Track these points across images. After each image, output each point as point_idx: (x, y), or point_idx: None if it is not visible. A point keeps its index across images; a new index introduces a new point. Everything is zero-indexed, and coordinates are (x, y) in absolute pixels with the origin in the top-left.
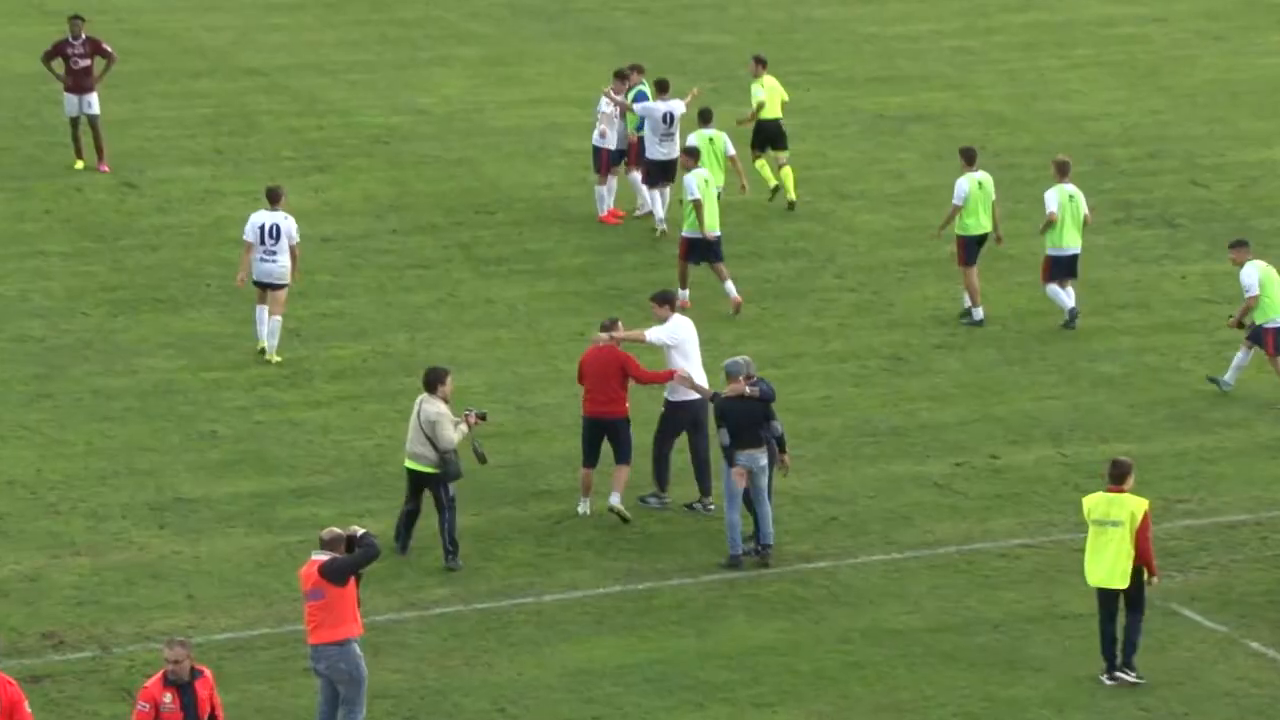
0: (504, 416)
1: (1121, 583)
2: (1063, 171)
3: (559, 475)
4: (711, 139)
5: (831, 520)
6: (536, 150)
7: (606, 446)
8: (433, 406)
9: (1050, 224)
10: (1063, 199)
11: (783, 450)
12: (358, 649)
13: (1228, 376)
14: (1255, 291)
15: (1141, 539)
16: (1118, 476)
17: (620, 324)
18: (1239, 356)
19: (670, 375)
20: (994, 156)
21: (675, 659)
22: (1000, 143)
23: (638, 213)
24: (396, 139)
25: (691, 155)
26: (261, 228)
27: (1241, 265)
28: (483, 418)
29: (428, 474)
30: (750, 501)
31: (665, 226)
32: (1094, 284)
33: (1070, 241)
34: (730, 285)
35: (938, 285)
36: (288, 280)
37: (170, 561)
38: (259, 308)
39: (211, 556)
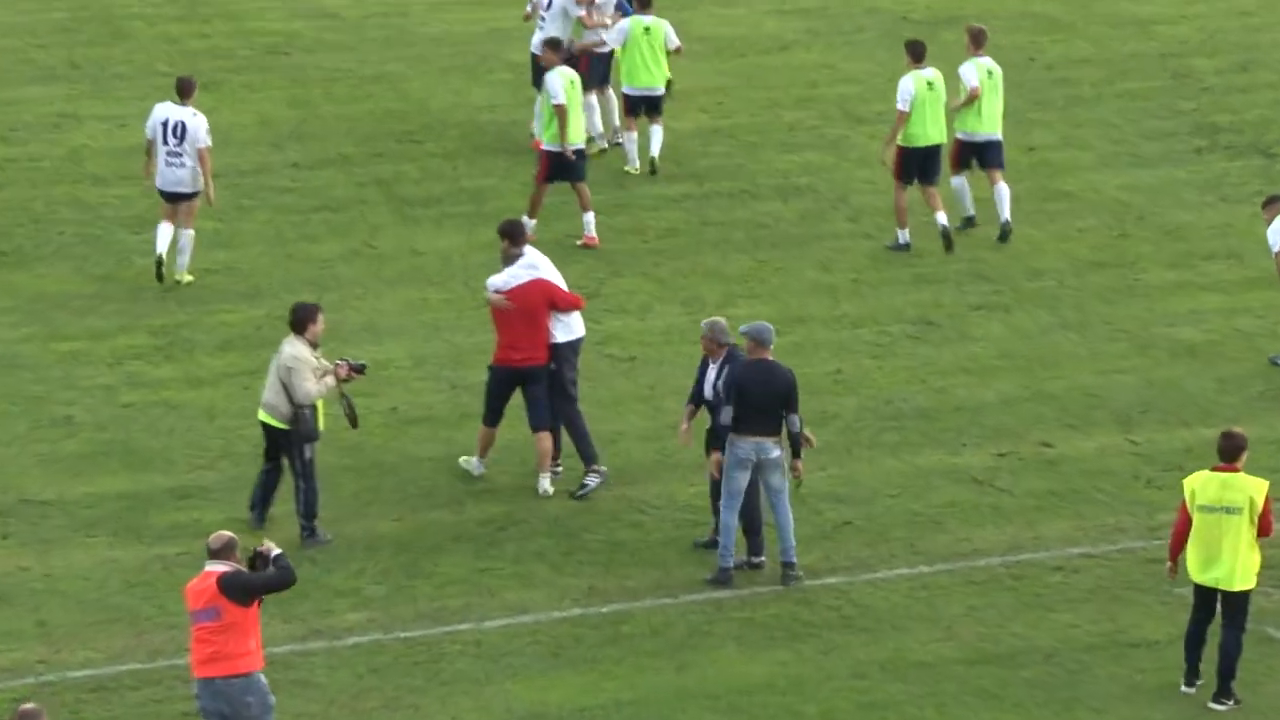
0: (435, 396)
1: (1244, 582)
2: (977, 42)
3: (504, 470)
4: (648, 28)
5: (844, 525)
6: (475, 64)
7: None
8: (292, 349)
9: (972, 99)
10: (981, 75)
11: (796, 454)
12: (265, 683)
13: None
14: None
15: (1264, 525)
16: (1231, 452)
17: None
18: None
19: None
20: (1046, 70)
21: (649, 699)
22: (1052, 52)
23: (612, 141)
24: (298, 49)
25: (554, 48)
26: (164, 124)
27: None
28: (358, 370)
29: (279, 430)
30: (747, 508)
31: (605, 144)
32: (1172, 229)
33: (989, 126)
34: (590, 219)
35: (977, 230)
36: (197, 188)
37: (15, 580)
38: (162, 224)
39: (67, 573)
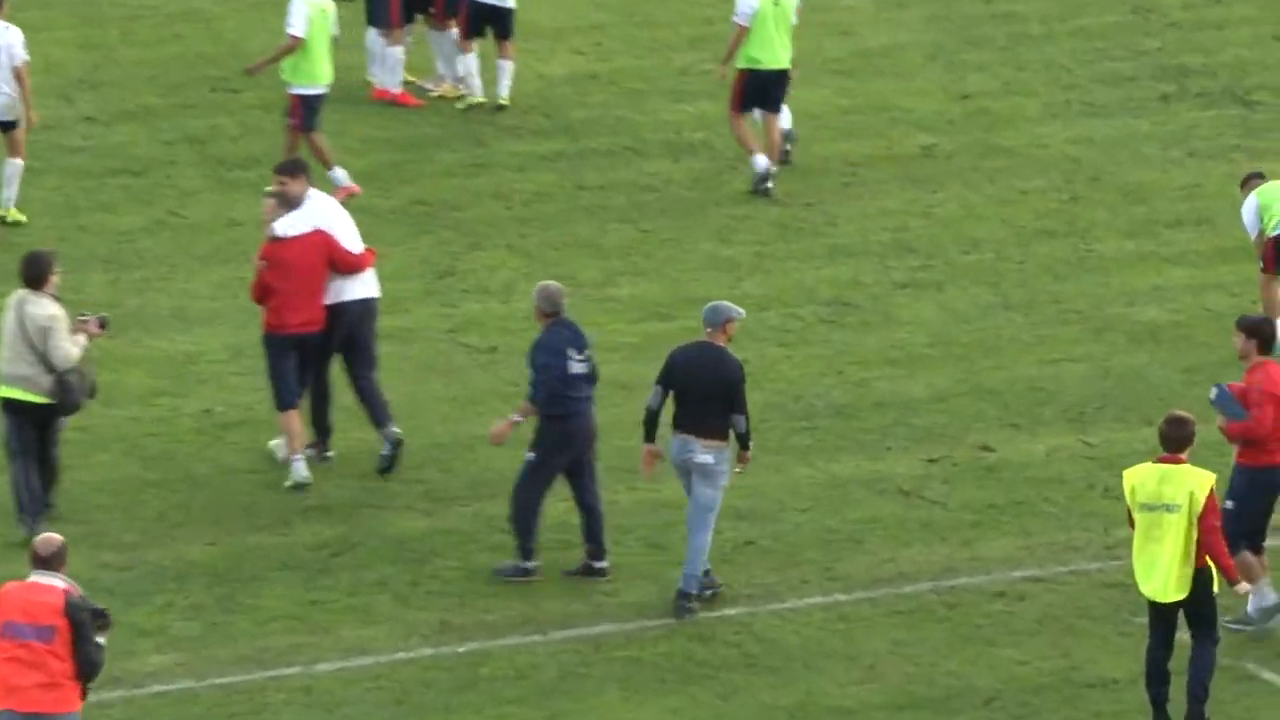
0: (255, 395)
1: (1178, 591)
2: None
3: (339, 482)
4: None
5: (746, 545)
6: None
7: None
8: (42, 309)
9: (743, 34)
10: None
11: (745, 445)
12: None
13: None
14: (1253, 235)
15: (1207, 529)
16: (1175, 441)
17: None
18: None
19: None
20: (984, 3)
21: None
22: None
23: (442, 87)
24: None
25: None
26: None
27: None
28: (104, 325)
29: (38, 405)
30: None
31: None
32: (1132, 191)
33: (776, 58)
34: (340, 174)
35: (903, 193)
36: (19, 115)
37: None
38: None
39: None
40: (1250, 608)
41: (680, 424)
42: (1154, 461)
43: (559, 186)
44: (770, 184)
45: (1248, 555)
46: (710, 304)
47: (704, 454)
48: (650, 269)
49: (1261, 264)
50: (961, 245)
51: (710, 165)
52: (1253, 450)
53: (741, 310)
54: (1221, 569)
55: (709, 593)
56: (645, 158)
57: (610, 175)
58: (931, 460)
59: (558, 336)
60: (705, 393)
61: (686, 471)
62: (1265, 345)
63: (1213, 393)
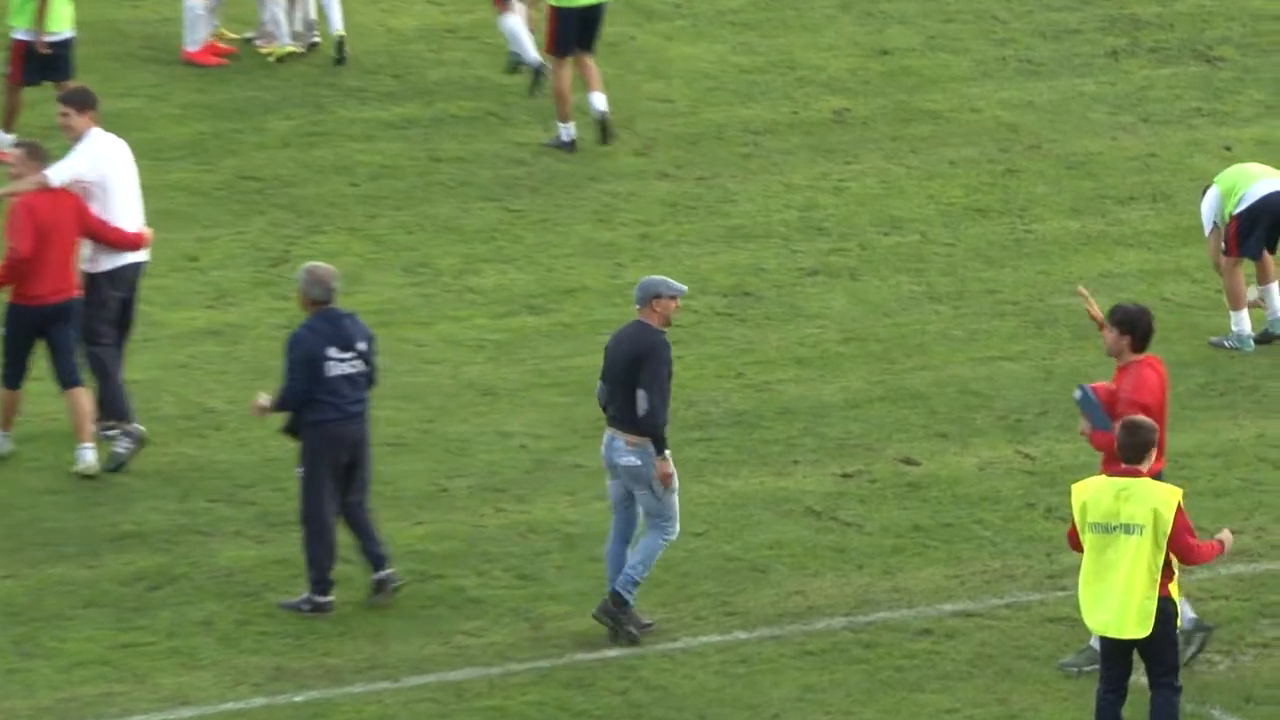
0: (59, 402)
1: (1137, 627)
2: None
3: (155, 504)
4: None
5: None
6: None
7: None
8: None
9: None
10: None
11: (659, 447)
12: None
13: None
14: (1208, 230)
15: (1184, 550)
16: (1132, 449)
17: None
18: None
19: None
20: None
21: None
22: None
23: (260, 39)
24: None
25: None
26: None
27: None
28: None
29: None
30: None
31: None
32: (1077, 162)
33: None
34: (5, 139)
35: (812, 166)
36: None
37: None
38: None
39: None
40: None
41: (609, 417)
42: (1109, 475)
43: (411, 159)
44: (609, 132)
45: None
46: (642, 278)
47: (628, 454)
48: (519, 254)
49: (1224, 247)
50: (880, 226)
51: (588, 134)
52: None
53: (679, 286)
54: (1209, 557)
55: (637, 629)
56: (512, 125)
57: (471, 146)
58: (846, 476)
59: (317, 331)
60: (620, 378)
61: (612, 470)
62: (1141, 341)
63: (1076, 394)
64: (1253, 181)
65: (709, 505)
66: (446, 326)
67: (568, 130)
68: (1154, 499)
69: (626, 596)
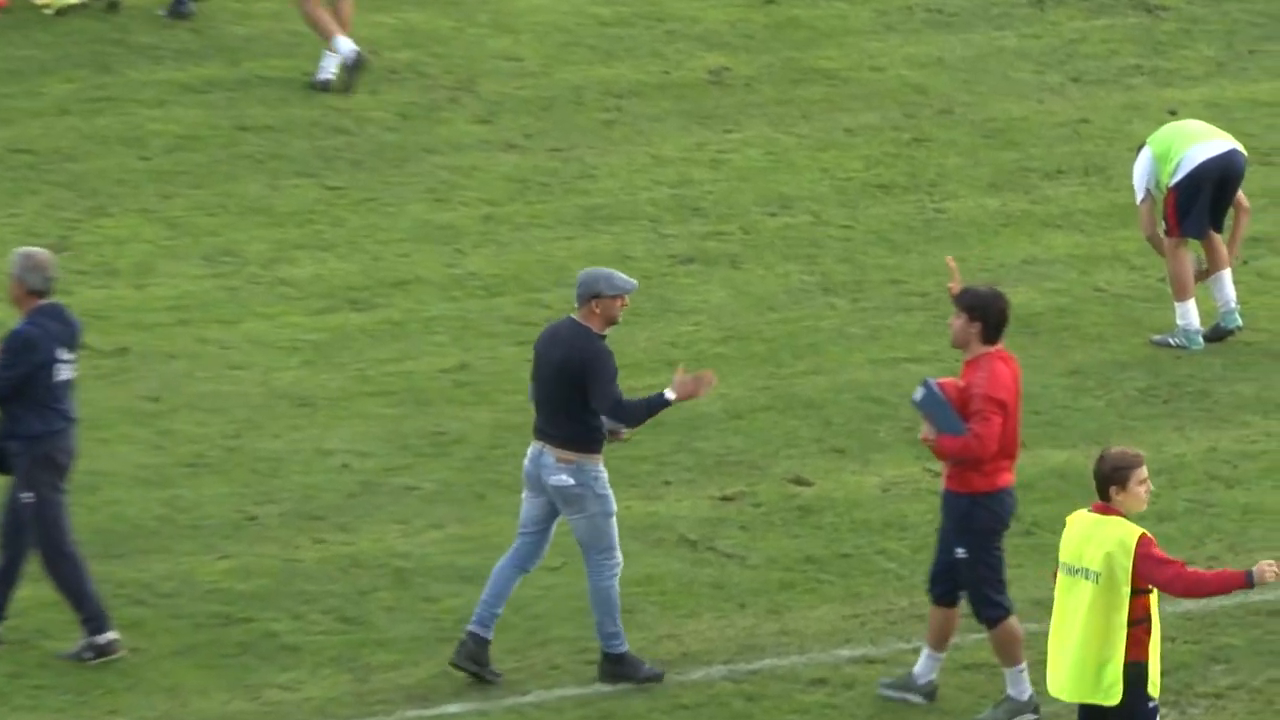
0: None
1: (1081, 690)
2: None
3: None
4: None
5: (445, 616)
6: None
7: None
8: None
9: None
10: None
11: (656, 406)
12: None
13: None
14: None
15: (1156, 579)
16: (1099, 482)
17: None
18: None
19: None
20: None
21: None
22: None
23: None
24: None
25: None
26: None
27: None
28: None
29: None
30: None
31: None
32: (996, 130)
33: None
34: None
35: (686, 134)
36: None
37: None
38: None
39: None
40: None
41: (536, 428)
42: (1090, 509)
43: (213, 128)
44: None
45: (1013, 622)
46: (582, 272)
47: (559, 472)
48: (340, 239)
49: (1164, 226)
50: (766, 205)
51: (422, 99)
52: (970, 473)
53: (625, 282)
54: (1221, 588)
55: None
56: (333, 89)
57: (284, 112)
58: (726, 499)
59: (44, 329)
60: (549, 387)
61: (536, 487)
62: (992, 330)
63: (918, 393)
64: (1191, 144)
65: (565, 534)
66: (255, 325)
67: (339, 45)
68: (1109, 541)
69: (614, 651)
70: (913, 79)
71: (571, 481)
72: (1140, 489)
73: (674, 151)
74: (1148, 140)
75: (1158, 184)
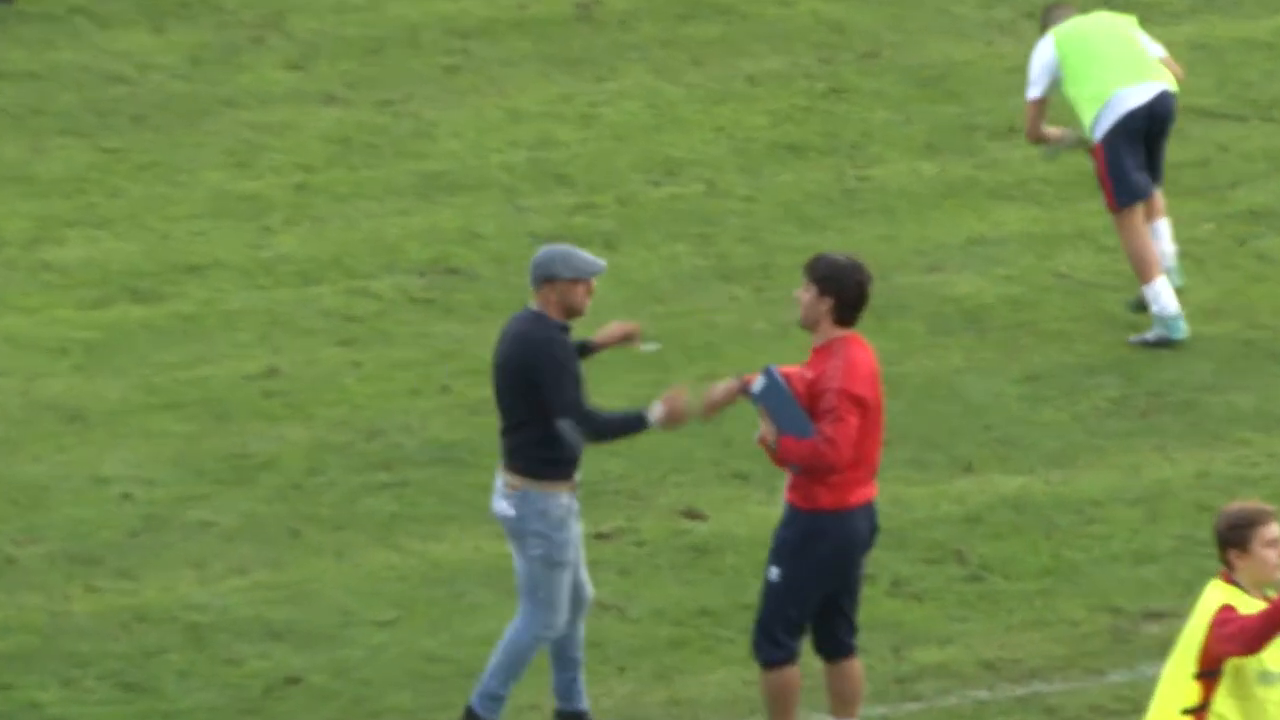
0: None
1: None
2: None
3: None
4: None
5: (289, 685)
6: None
7: None
8: None
9: None
10: None
11: (639, 423)
12: None
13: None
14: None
15: (1224, 640)
16: (1220, 543)
17: None
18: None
19: None
20: None
21: None
22: None
23: None
24: None
25: None
26: None
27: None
28: None
29: None
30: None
31: None
32: (931, 75)
33: None
34: None
35: (547, 84)
36: None
37: None
38: None
39: None
40: None
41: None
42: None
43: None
44: None
45: (793, 673)
46: (540, 250)
47: (504, 499)
48: (117, 214)
49: (1104, 201)
50: (648, 171)
51: (219, 37)
52: (816, 485)
53: (588, 263)
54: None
55: None
56: (109, 27)
57: (50, 57)
58: (601, 536)
59: None
60: (501, 392)
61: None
62: (848, 310)
63: (757, 383)
64: (1112, 88)
65: (401, 581)
66: (13, 321)
67: None
68: (1196, 610)
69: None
70: (829, 14)
71: (512, 513)
72: (1269, 552)
73: (533, 105)
74: (1053, 35)
75: (1042, 96)
